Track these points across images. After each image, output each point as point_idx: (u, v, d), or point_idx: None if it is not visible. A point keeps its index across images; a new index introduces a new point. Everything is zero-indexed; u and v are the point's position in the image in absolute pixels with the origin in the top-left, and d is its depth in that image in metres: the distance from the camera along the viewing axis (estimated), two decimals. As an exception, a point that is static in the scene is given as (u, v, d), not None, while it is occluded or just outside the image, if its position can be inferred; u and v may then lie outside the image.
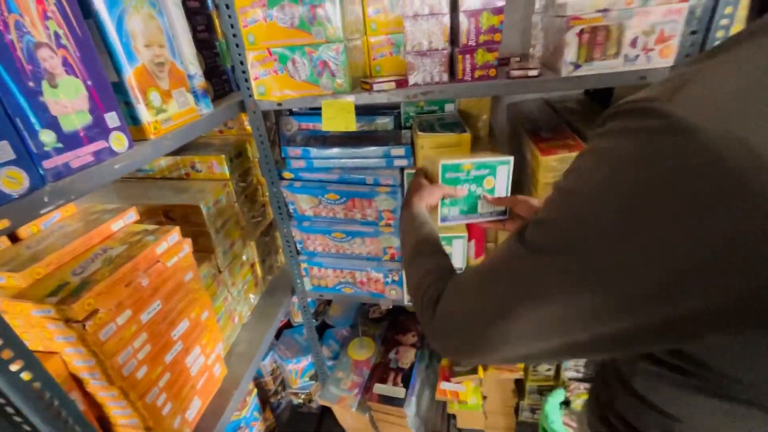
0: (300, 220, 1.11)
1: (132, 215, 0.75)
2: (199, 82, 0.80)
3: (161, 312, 0.68)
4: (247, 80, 0.89)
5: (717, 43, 0.71)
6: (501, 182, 0.80)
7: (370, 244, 1.08)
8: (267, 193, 1.19)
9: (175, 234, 0.72)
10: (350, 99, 0.86)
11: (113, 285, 0.58)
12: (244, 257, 1.09)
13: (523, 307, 0.34)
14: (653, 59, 0.73)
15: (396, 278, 1.10)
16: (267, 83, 0.88)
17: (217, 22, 0.96)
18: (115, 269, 0.60)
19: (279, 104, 0.90)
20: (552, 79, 0.78)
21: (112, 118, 0.56)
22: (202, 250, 0.94)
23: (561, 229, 0.32)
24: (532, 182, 0.99)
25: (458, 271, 0.50)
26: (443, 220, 0.84)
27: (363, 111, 1.09)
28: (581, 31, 0.73)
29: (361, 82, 0.89)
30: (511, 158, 0.78)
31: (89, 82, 0.53)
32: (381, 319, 1.47)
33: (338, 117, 0.87)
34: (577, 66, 0.76)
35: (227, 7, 0.82)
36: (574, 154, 0.87)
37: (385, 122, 1.09)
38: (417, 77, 0.85)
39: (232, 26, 0.83)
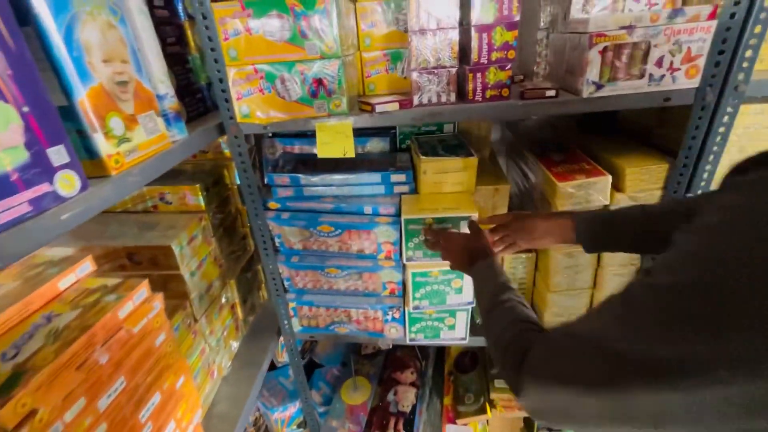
0: (288, 255, 0.98)
1: (87, 266, 0.60)
2: (171, 103, 0.67)
3: (126, 391, 0.54)
4: (227, 100, 0.77)
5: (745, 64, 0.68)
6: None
7: (368, 279, 0.97)
8: (248, 223, 1.06)
9: (143, 289, 0.58)
10: (348, 121, 0.76)
11: (59, 371, 0.44)
12: (223, 299, 0.95)
13: (624, 383, 0.30)
14: (679, 80, 0.69)
15: (397, 315, 0.99)
16: (251, 103, 0.77)
17: (189, 33, 0.84)
18: (63, 347, 0.46)
19: (265, 127, 0.79)
20: (573, 99, 0.71)
21: (58, 154, 0.43)
22: (175, 297, 0.80)
23: (682, 295, 0.28)
24: (542, 207, 0.93)
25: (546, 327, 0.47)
26: (408, 260, 0.91)
27: (354, 132, 0.99)
28: (604, 49, 0.67)
29: (359, 102, 0.80)
30: (475, 214, 0.81)
31: (25, 109, 0.40)
32: (375, 356, 1.35)
33: (335, 141, 0.77)
34: (599, 86, 0.70)
35: (204, 17, 0.70)
36: (592, 179, 0.80)
37: (380, 144, 1.00)
38: (423, 97, 0.76)
39: (210, 39, 0.72)
